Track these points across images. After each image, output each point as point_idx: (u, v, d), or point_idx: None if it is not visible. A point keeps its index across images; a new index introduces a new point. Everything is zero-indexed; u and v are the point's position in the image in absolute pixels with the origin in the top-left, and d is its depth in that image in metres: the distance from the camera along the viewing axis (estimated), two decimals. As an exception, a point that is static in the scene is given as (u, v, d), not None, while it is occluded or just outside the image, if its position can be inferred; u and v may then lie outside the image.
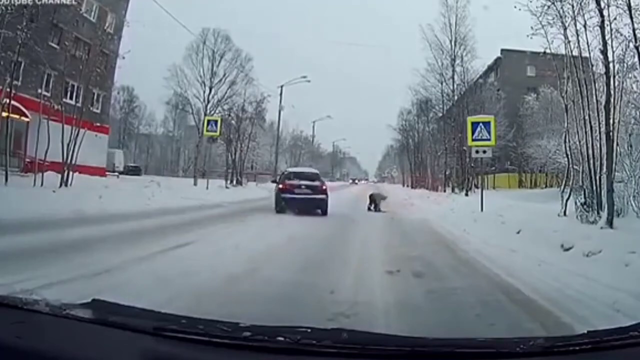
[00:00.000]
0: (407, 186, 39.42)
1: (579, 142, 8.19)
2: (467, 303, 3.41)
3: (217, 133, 18.58)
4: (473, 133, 11.60)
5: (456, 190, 23.81)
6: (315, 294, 3.42)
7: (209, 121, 19.14)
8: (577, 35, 7.98)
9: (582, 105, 8.07)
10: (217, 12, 57.43)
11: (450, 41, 24.55)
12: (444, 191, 25.33)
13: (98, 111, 20.32)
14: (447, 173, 26.54)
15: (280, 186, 11.53)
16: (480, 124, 11.61)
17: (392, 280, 4.13)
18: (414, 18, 45.50)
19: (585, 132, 7.94)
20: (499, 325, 2.89)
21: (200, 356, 1.12)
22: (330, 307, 2.97)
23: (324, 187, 11.58)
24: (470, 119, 12.32)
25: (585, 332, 1.31)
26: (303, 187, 11.24)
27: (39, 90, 14.35)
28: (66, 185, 11.88)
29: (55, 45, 17.34)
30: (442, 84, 25.30)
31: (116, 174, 23.08)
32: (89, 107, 19.45)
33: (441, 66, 25.00)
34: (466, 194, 20.93)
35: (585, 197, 7.76)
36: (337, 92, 76.80)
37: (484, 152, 11.83)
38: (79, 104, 18.82)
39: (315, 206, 11.01)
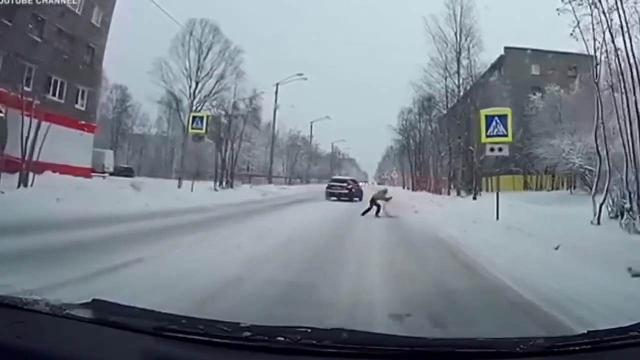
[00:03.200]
0: (408, 188, 39.53)
1: (622, 136, 7.32)
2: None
3: (204, 131, 17.70)
4: (487, 128, 10.74)
5: (462, 193, 23.56)
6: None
7: (194, 118, 18.16)
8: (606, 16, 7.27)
9: (622, 91, 7.38)
10: (214, 10, 57.26)
11: (455, 33, 24.10)
12: (448, 194, 25.15)
13: (83, 108, 20.22)
14: (451, 175, 26.38)
15: (327, 185, 23.04)
16: (496, 118, 10.77)
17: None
18: (416, 15, 45.41)
19: (630, 123, 7.09)
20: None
21: (200, 356, 1.18)
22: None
23: (349, 185, 22.08)
24: (483, 112, 11.37)
25: (585, 332, 1.37)
26: (337, 186, 22.09)
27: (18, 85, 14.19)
28: (25, 185, 11.20)
29: (37, 38, 17.28)
30: (445, 79, 24.91)
31: (103, 174, 22.98)
32: (73, 103, 19.51)
33: (445, 60, 24.53)
34: (474, 198, 20.74)
35: (630, 202, 6.84)
36: (336, 93, 76.50)
37: (500, 149, 10.89)
38: (61, 100, 18.87)
39: (344, 195, 20.85)
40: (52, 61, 17.30)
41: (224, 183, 24.28)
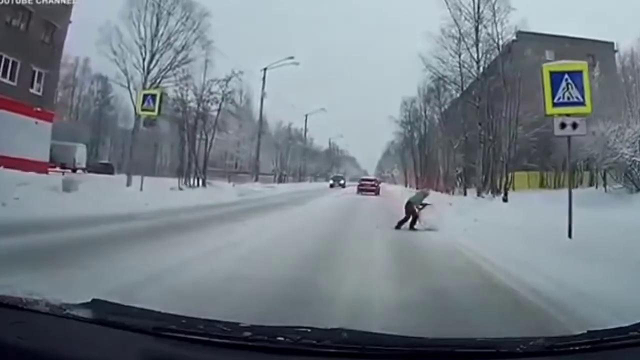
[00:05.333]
0: (410, 186, 39.89)
1: None
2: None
3: (156, 112, 16.20)
4: (554, 93, 8.45)
5: (483, 193, 22.51)
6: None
7: (145, 96, 16.40)
8: None
9: None
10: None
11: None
12: (464, 194, 24.52)
13: (39, 93, 20.12)
14: (465, 170, 25.98)
15: (358, 183, 34.96)
16: (566, 77, 8.41)
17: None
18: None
19: None
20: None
21: (200, 356, 1.36)
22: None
23: (375, 184, 34.24)
24: (547, 68, 8.79)
25: (585, 332, 1.57)
26: (366, 184, 33.37)
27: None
28: None
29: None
30: (460, 55, 23.68)
31: (65, 170, 22.95)
32: (27, 87, 19.40)
33: (459, 31, 23.11)
34: (504, 199, 19.90)
35: None
36: (332, 84, 76.92)
37: (574, 125, 8.38)
38: (12, 82, 18.67)
39: (371, 190, 31.48)
40: (1, 37, 17.20)
41: (192, 181, 23.35)
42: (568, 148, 9.36)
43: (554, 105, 8.53)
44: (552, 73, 8.60)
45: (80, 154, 28.49)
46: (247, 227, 10.01)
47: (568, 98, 8.43)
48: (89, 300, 1.57)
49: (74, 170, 26.78)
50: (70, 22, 20.76)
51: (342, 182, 47.19)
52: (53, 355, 1.29)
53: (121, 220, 9.49)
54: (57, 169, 22.88)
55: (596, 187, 22.14)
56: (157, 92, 17.20)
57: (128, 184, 19.11)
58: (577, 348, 1.45)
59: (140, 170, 17.89)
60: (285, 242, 8.25)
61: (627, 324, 1.59)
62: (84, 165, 28.09)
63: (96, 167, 29.39)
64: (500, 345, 1.48)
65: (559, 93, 8.47)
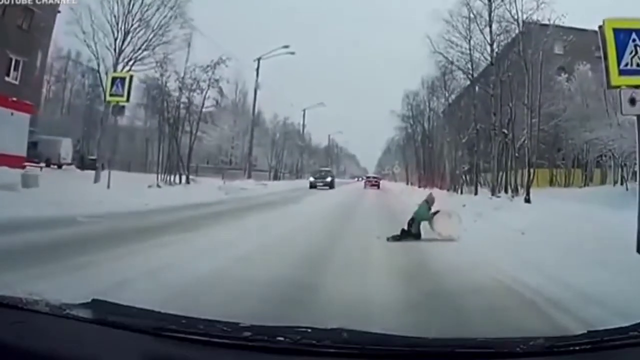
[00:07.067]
0: (412, 184, 40.07)
1: None
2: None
3: (125, 98, 15.93)
4: (620, 55, 7.25)
5: (497, 192, 21.88)
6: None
7: (114, 80, 16.06)
8: None
9: None
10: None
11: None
12: (475, 193, 23.99)
13: (16, 82, 20.05)
14: (474, 166, 25.67)
15: (365, 179, 46.76)
16: (634, 37, 7.23)
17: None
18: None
19: None
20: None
21: (200, 356, 1.46)
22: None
23: (378, 180, 44.54)
24: (610, 23, 7.41)
25: (585, 332, 1.69)
26: (371, 179, 44.22)
27: None
28: None
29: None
30: (470, 40, 23.35)
31: (41, 165, 22.96)
32: (1, 76, 19.35)
33: (470, 10, 22.72)
34: (527, 200, 18.62)
35: None
36: (333, 86, 77.42)
37: None
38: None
39: (374, 185, 41.02)
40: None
41: (174, 177, 23.26)
42: (638, 132, 7.73)
43: (621, 73, 7.25)
44: (616, 31, 7.27)
45: (66, 148, 28.53)
46: (206, 240, 8.07)
47: (638, 65, 7.23)
48: (89, 300, 1.67)
49: (60, 166, 26.99)
50: (59, 12, 20.81)
51: (328, 179, 34.89)
52: (53, 355, 1.39)
53: (54, 226, 8.19)
54: (42, 164, 22.92)
55: (613, 184, 22.06)
56: (126, 75, 16.89)
57: (96, 180, 18.70)
58: (577, 348, 1.55)
59: (114, 165, 17.78)
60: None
61: (627, 324, 1.70)
62: (69, 160, 28.24)
63: (87, 163, 29.66)
64: (500, 345, 1.58)
65: (626, 58, 7.24)
